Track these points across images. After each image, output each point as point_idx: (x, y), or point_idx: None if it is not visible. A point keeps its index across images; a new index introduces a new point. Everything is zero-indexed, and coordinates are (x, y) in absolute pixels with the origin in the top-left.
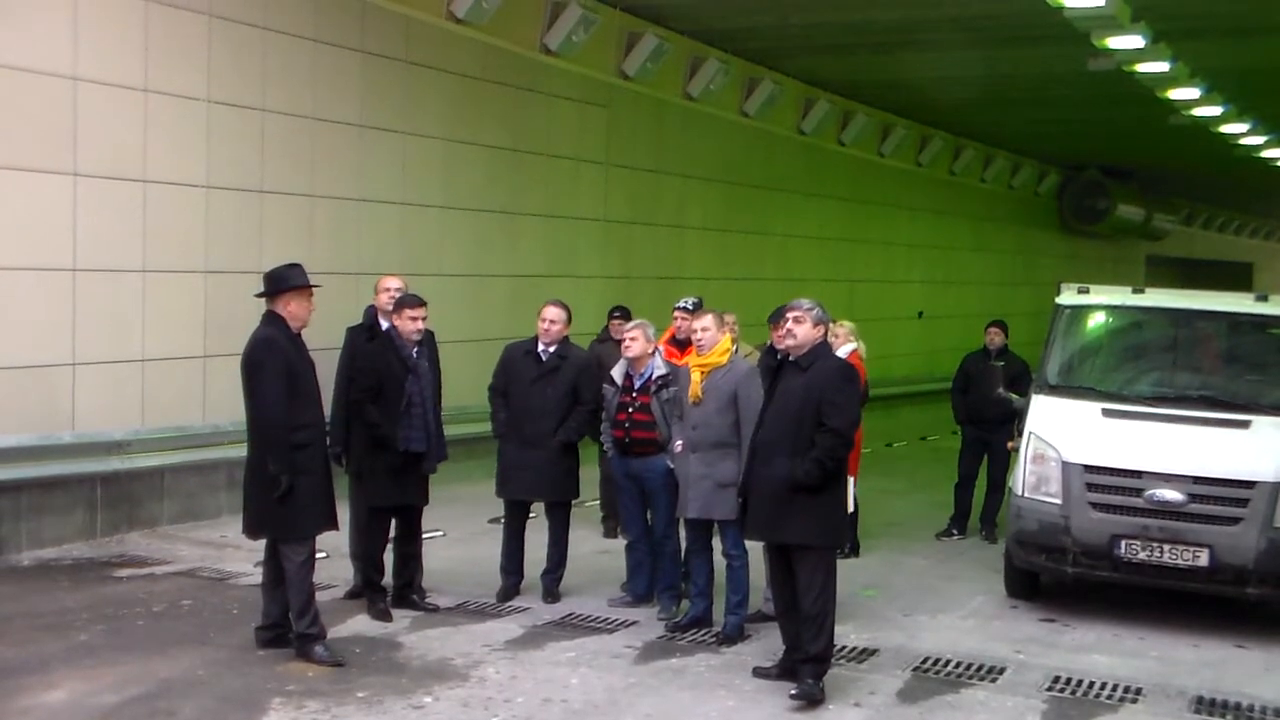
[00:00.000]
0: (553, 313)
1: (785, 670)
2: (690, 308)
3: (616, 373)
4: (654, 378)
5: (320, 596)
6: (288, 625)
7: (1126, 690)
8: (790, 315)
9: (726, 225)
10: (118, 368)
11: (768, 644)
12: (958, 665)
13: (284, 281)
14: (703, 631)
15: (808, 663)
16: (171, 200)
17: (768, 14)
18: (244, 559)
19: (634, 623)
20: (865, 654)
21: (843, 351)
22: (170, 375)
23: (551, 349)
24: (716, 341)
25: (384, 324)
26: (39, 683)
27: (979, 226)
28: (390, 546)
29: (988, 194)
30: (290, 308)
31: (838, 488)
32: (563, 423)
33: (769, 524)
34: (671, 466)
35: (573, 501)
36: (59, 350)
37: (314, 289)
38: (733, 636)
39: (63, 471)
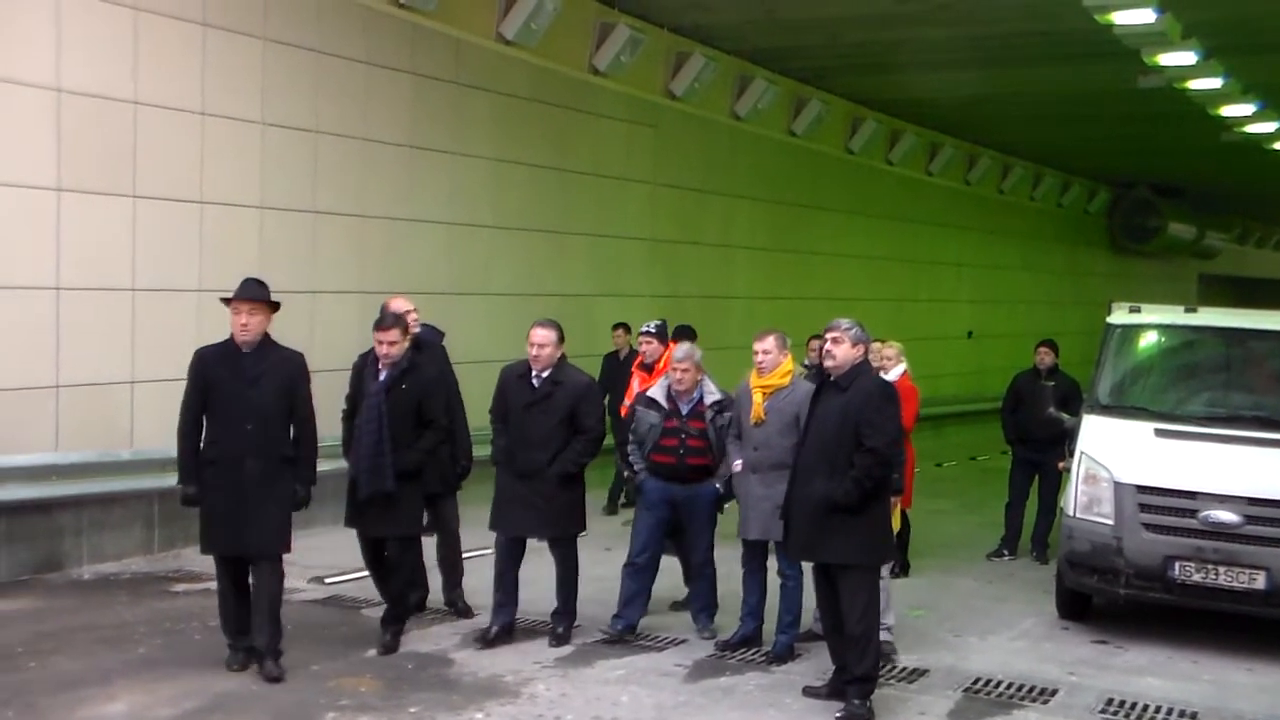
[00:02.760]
0: (540, 335)
1: (835, 690)
2: (654, 330)
3: (658, 394)
4: (708, 403)
5: (375, 614)
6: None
7: (1181, 714)
8: (829, 335)
9: (773, 245)
10: (175, 386)
11: (818, 663)
12: (1009, 686)
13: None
14: (752, 651)
15: (854, 683)
16: (227, 221)
17: (815, 33)
18: (297, 575)
19: (683, 640)
20: (915, 674)
21: (895, 373)
22: None
23: (544, 374)
24: (779, 363)
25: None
26: (100, 694)
27: (1028, 245)
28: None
29: (1037, 212)
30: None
31: (879, 507)
32: (559, 453)
33: (809, 544)
34: (720, 491)
35: (578, 535)
36: (119, 369)
37: (252, 303)
38: (783, 656)
39: (122, 488)
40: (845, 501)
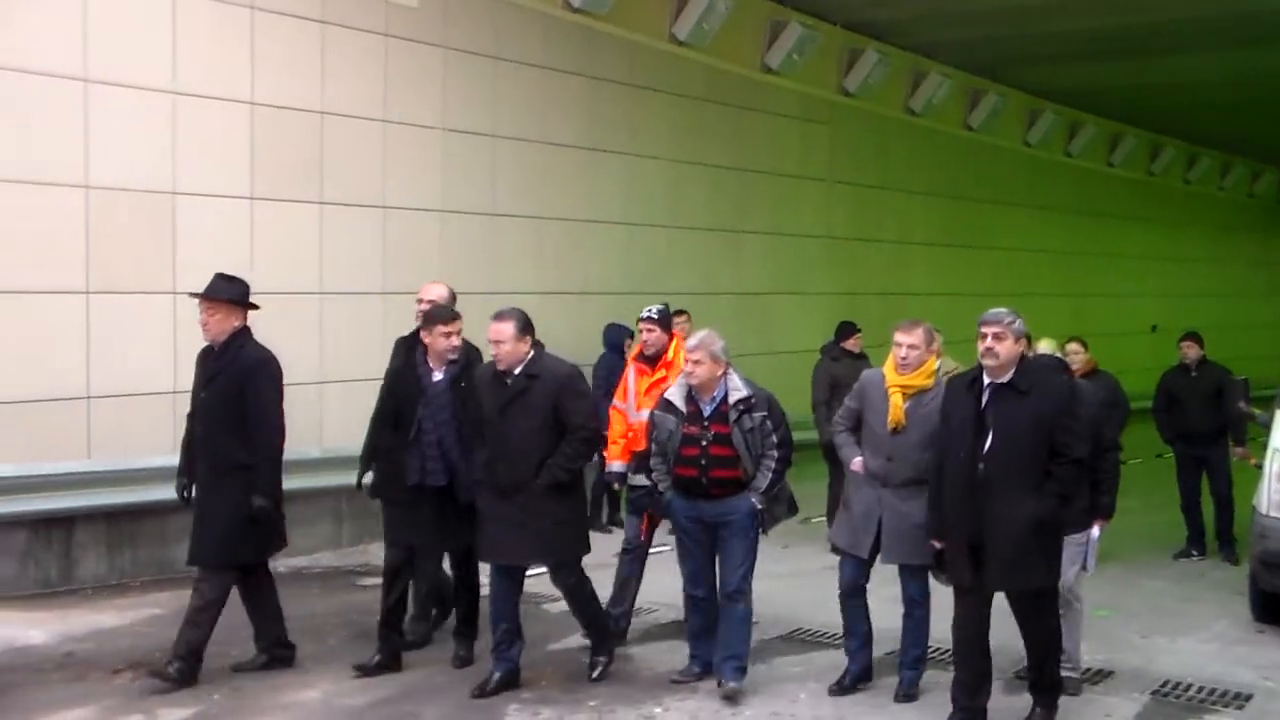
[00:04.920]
0: (495, 330)
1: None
2: (655, 316)
3: (675, 397)
4: (731, 402)
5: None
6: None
7: None
8: (989, 331)
9: (950, 240)
10: (361, 386)
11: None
12: (1199, 690)
13: None
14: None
15: (1047, 692)
16: (409, 225)
17: (991, 25)
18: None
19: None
20: (1101, 675)
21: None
22: None
23: (517, 370)
24: (924, 361)
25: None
26: (296, 682)
27: (1216, 237)
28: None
29: (1225, 202)
30: None
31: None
32: (546, 461)
33: (1013, 571)
34: (760, 507)
35: (581, 558)
36: (308, 369)
37: (207, 302)
38: (913, 694)
39: (312, 485)
40: (1050, 518)
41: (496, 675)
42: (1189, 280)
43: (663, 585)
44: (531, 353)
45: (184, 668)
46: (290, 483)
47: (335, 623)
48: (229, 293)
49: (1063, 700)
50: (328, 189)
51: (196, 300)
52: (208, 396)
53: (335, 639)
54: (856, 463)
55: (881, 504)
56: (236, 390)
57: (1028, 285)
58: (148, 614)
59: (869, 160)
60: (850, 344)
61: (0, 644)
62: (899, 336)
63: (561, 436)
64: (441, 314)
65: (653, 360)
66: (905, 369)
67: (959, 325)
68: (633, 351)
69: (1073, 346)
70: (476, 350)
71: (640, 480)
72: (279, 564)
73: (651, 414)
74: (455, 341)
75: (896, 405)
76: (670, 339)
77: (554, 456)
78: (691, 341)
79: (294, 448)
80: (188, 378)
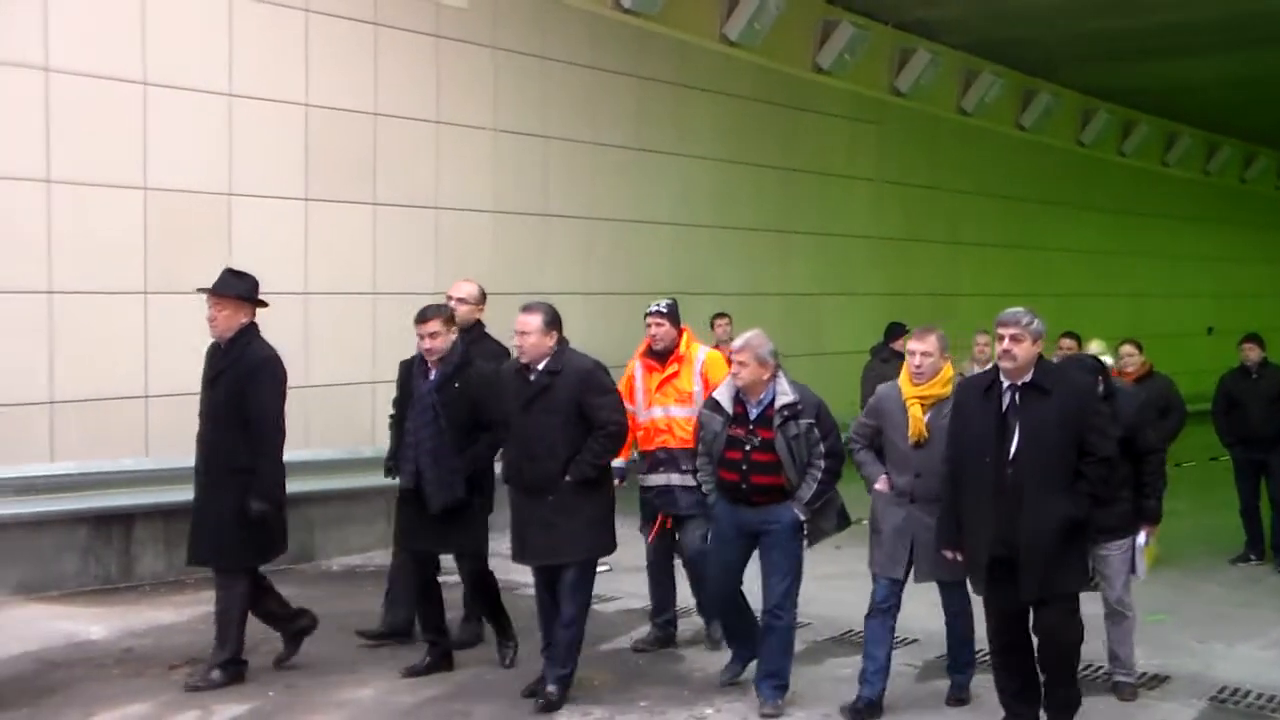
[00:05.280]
0: (523, 321)
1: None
2: (665, 310)
3: (723, 396)
4: (778, 405)
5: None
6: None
7: None
8: (1008, 333)
9: (1002, 240)
10: None
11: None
12: (1259, 697)
13: None
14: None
15: (1064, 710)
16: (461, 225)
17: (1044, 24)
18: (528, 570)
19: (914, 640)
20: (1157, 681)
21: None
22: None
23: (540, 366)
24: (939, 369)
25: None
26: (350, 679)
27: (1273, 236)
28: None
29: None
30: None
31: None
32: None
33: (1047, 579)
34: (804, 518)
35: (606, 559)
36: (361, 369)
37: (215, 297)
38: (964, 698)
39: (365, 484)
40: (1083, 520)
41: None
42: (1246, 281)
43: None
44: (556, 348)
45: (225, 675)
46: (344, 481)
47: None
48: (237, 288)
49: (1119, 705)
50: (381, 190)
51: (204, 296)
52: (212, 394)
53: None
54: (881, 482)
55: (910, 522)
56: (239, 389)
57: (1081, 286)
58: (204, 611)
59: (919, 160)
60: (900, 345)
61: (61, 639)
62: (912, 345)
63: (587, 433)
64: (421, 314)
65: (662, 356)
66: (920, 378)
67: None
68: (639, 348)
69: (1127, 349)
70: (505, 350)
71: (652, 481)
72: (333, 563)
73: (700, 413)
74: (431, 343)
75: (917, 418)
76: (680, 333)
77: (581, 453)
78: (737, 342)
79: (348, 447)
80: None
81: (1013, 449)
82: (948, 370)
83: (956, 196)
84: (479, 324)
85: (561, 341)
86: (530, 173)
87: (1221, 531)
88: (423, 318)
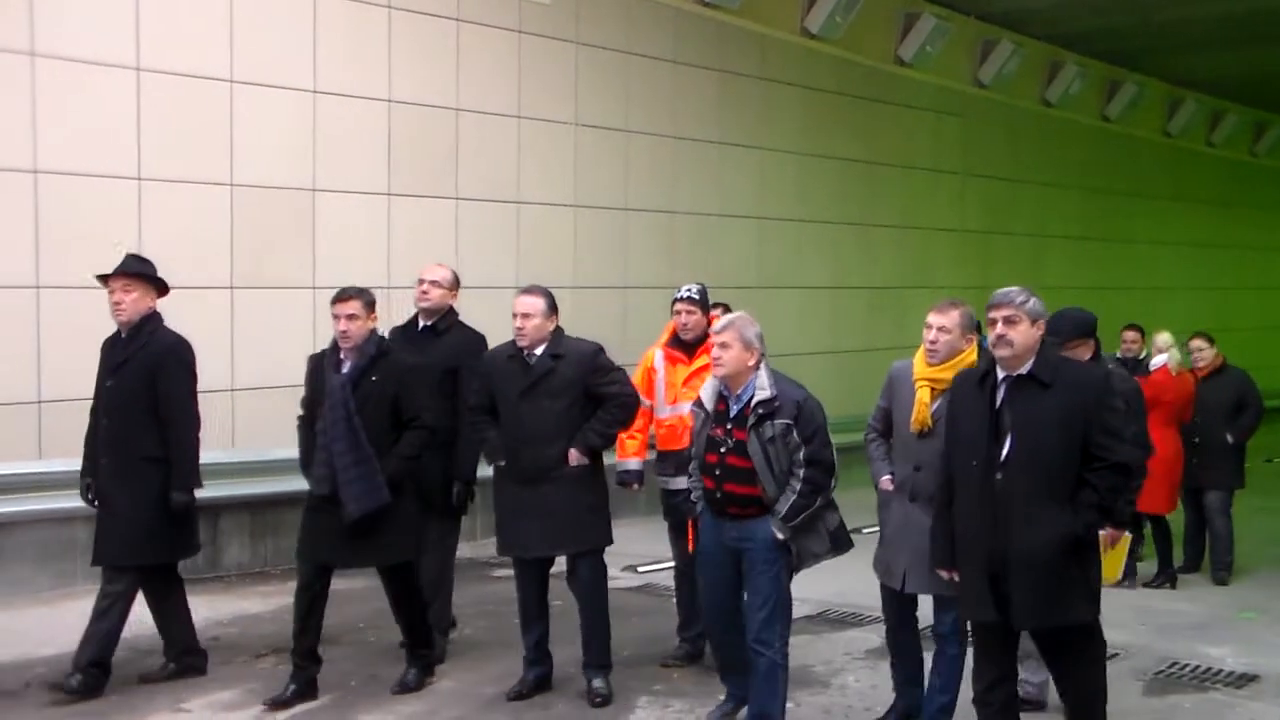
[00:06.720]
0: (525, 302)
1: None
2: (696, 296)
3: (706, 394)
4: (752, 404)
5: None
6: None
7: None
8: (1000, 316)
9: (1087, 233)
10: None
11: None
12: None
13: None
14: None
15: None
16: (542, 220)
17: (1129, 13)
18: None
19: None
20: (1245, 680)
21: (1154, 364)
22: None
23: (539, 350)
24: (957, 351)
25: (421, 323)
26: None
27: None
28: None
29: None
30: None
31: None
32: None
33: (1042, 604)
34: (781, 536)
35: (606, 549)
36: None
37: (124, 279)
38: None
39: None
40: (1087, 535)
41: (531, 678)
42: None
43: None
44: (553, 333)
45: (87, 680)
46: None
47: (470, 613)
48: (147, 269)
49: (1206, 703)
50: (463, 184)
51: (103, 283)
52: (114, 385)
53: (471, 629)
54: (885, 480)
55: (908, 522)
56: (147, 378)
57: (1167, 279)
58: (288, 602)
59: (1003, 153)
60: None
61: (150, 628)
62: (930, 317)
63: (587, 417)
64: (337, 293)
65: (690, 347)
66: (934, 358)
67: (1099, 320)
68: (662, 337)
69: (1197, 343)
70: (483, 338)
71: (679, 484)
72: None
73: (690, 408)
74: (348, 325)
75: (922, 403)
76: (710, 322)
77: (589, 423)
78: (719, 323)
79: None
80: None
81: (1004, 451)
82: (970, 353)
83: (1040, 189)
84: (452, 310)
85: (557, 328)
86: (611, 167)
87: None
88: (341, 297)
